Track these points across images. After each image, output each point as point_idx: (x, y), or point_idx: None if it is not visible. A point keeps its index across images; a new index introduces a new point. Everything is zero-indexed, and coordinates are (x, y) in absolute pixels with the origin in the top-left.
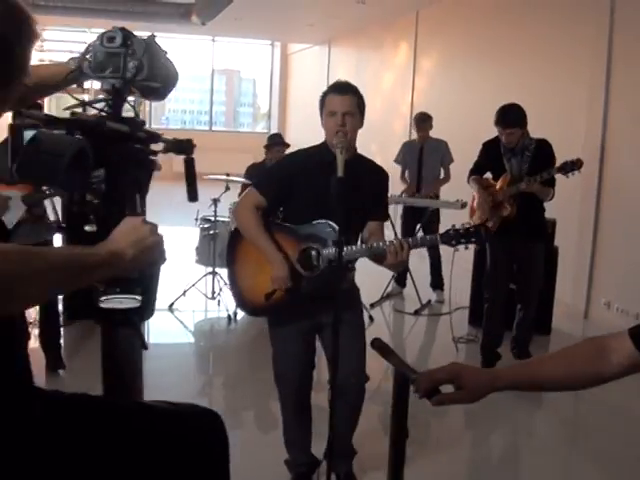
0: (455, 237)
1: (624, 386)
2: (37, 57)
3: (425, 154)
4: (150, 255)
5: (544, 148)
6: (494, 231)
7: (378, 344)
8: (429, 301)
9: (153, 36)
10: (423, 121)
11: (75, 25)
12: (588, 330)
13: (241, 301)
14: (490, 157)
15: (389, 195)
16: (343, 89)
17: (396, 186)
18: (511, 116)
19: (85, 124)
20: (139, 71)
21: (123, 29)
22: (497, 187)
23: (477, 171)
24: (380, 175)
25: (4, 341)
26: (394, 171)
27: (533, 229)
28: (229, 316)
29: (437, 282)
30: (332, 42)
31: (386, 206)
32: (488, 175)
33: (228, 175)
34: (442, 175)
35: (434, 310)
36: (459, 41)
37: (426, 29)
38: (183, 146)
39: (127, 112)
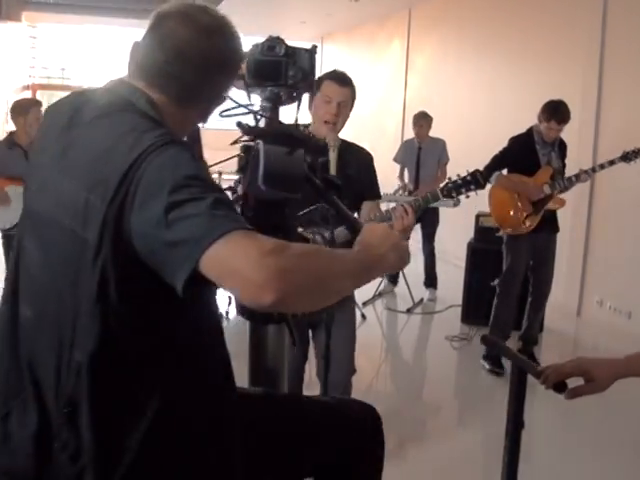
0: (455, 188)
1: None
2: (29, 54)
3: (423, 153)
4: (404, 258)
5: (564, 146)
6: (532, 228)
7: (489, 340)
8: (422, 299)
9: (315, 47)
10: (422, 118)
11: (68, 22)
12: (580, 328)
13: (237, 303)
14: (523, 150)
15: (384, 194)
16: (343, 80)
17: (391, 184)
18: (565, 112)
19: (307, 142)
20: (301, 78)
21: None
22: (541, 180)
23: (499, 167)
24: (365, 156)
25: (220, 337)
26: (391, 170)
27: (554, 222)
28: (221, 314)
29: (431, 280)
30: (325, 39)
31: (377, 184)
32: (504, 172)
33: (220, 174)
34: (439, 174)
35: (427, 308)
36: (452, 38)
37: (419, 26)
38: None
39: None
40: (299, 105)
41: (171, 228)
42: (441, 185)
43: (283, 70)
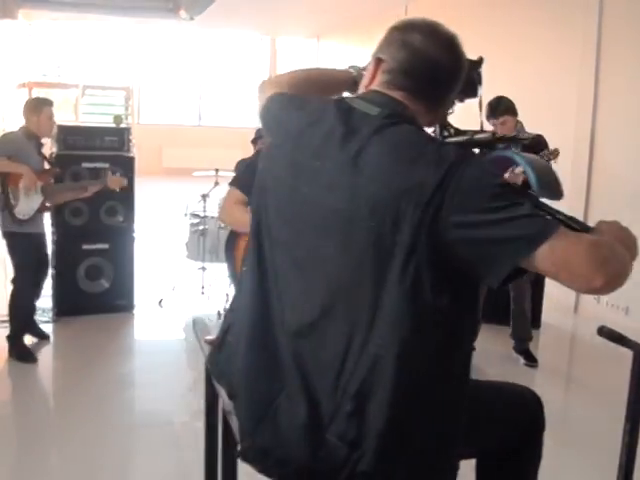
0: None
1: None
2: (24, 51)
3: None
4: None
5: (540, 144)
6: None
7: (606, 330)
8: None
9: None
10: None
11: (64, 19)
12: (578, 324)
13: None
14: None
15: None
16: None
17: None
18: (501, 105)
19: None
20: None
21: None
22: None
23: None
24: None
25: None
26: None
27: None
28: (219, 311)
29: None
30: (321, 36)
31: None
32: None
33: (217, 171)
34: None
35: None
36: None
37: None
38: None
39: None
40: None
41: (501, 226)
42: None
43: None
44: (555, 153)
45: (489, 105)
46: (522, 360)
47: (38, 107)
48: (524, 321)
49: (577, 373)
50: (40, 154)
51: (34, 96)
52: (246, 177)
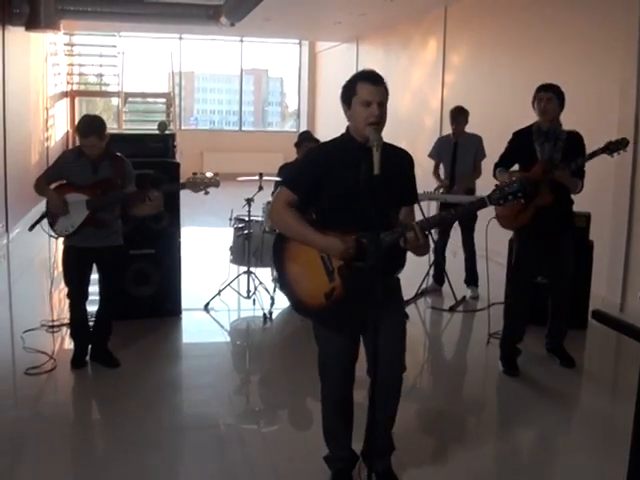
0: (501, 196)
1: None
2: (66, 62)
3: (459, 149)
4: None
5: (576, 139)
6: (526, 223)
7: (601, 314)
8: (464, 297)
9: None
10: (459, 114)
11: (104, 30)
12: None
13: (299, 305)
14: (521, 145)
15: (424, 192)
16: (378, 79)
17: (429, 181)
18: (548, 84)
19: None
20: None
21: None
22: (534, 174)
23: (504, 163)
24: (406, 159)
25: None
26: (427, 165)
27: (562, 220)
28: (264, 315)
29: (472, 278)
30: (360, 39)
31: (415, 189)
32: (515, 167)
33: (262, 176)
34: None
35: (469, 306)
36: (488, 35)
37: (455, 24)
38: None
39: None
40: None
41: None
42: (484, 189)
43: None
44: (625, 142)
45: (537, 87)
46: (557, 360)
47: (81, 136)
48: (558, 320)
49: (624, 374)
50: (96, 169)
51: (86, 112)
52: (296, 178)
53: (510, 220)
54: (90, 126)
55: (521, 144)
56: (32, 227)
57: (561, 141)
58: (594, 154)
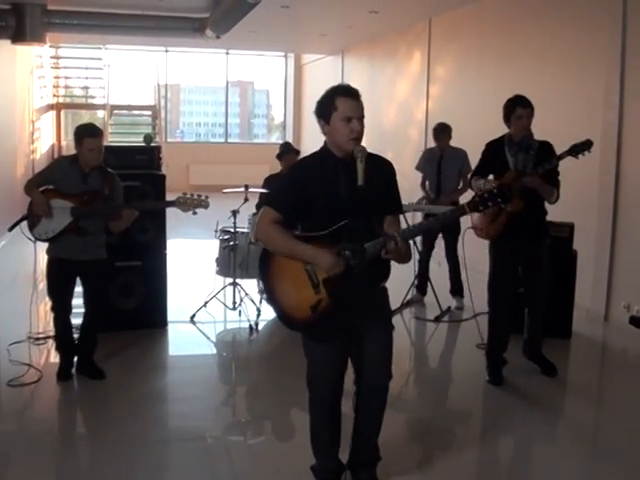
0: (482, 202)
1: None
2: (52, 74)
3: (444, 162)
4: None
5: (547, 149)
6: (500, 231)
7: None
8: (449, 308)
9: None
10: (442, 132)
11: (90, 42)
12: (608, 333)
13: (287, 319)
14: (494, 155)
15: (409, 203)
16: (356, 94)
17: (416, 193)
18: (524, 98)
19: None
20: None
21: None
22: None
23: (479, 173)
24: (388, 168)
25: None
26: (413, 177)
27: (536, 228)
28: (250, 326)
29: (457, 288)
30: (345, 52)
31: (399, 197)
32: (490, 177)
33: (247, 187)
34: (461, 185)
35: (454, 316)
36: (472, 47)
37: (439, 36)
38: None
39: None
40: None
41: None
42: (466, 200)
43: None
44: (588, 144)
45: (514, 99)
46: (538, 368)
47: (79, 138)
48: (534, 328)
49: (608, 383)
50: (85, 179)
51: (72, 125)
52: (279, 195)
53: (484, 229)
54: (96, 127)
55: (495, 155)
56: (12, 228)
57: (533, 150)
58: (560, 157)
